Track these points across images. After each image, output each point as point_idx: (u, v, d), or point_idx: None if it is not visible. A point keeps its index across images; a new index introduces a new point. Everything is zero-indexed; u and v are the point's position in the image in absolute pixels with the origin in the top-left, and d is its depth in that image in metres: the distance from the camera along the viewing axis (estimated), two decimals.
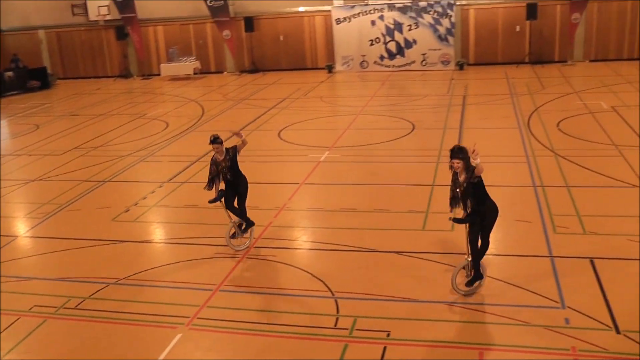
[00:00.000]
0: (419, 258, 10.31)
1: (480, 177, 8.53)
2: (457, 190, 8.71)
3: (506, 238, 11.11)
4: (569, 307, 8.59)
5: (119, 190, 14.88)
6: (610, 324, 8.16)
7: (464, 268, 9.15)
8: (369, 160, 16.17)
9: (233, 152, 10.60)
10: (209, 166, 10.79)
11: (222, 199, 10.72)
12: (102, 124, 22.43)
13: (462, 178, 8.64)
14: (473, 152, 8.18)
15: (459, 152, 8.49)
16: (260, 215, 12.39)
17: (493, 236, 10.92)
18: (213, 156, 10.65)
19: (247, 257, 10.67)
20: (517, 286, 9.24)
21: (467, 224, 8.89)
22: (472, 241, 8.97)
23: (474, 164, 8.28)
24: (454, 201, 8.89)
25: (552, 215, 11.73)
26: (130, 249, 11.42)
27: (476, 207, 8.73)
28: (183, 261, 10.70)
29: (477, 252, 9.00)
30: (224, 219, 11.09)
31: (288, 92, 26.19)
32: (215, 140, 10.45)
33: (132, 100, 27.26)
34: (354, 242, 11.04)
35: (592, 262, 9.84)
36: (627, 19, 29.26)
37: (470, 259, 9.06)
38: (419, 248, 10.65)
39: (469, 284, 9.10)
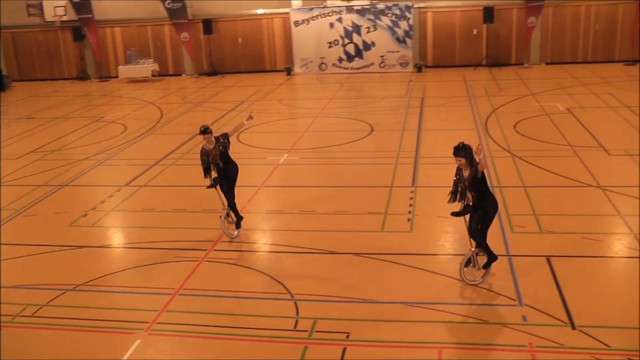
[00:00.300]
0: (378, 259, 10.38)
1: (483, 173, 8.88)
2: (461, 185, 9.02)
3: (464, 237, 11.18)
4: (526, 305, 8.74)
5: (76, 194, 14.73)
6: (566, 320, 8.34)
7: (466, 263, 9.47)
8: (327, 163, 16.23)
9: (224, 139, 11.12)
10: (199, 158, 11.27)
11: (217, 186, 11.36)
12: (59, 127, 22.17)
13: (466, 174, 8.96)
14: (477, 149, 8.64)
15: (461, 150, 8.83)
16: (219, 218, 12.38)
17: (451, 237, 11.10)
18: (202, 147, 11.12)
19: (206, 261, 10.64)
20: (476, 285, 9.36)
21: (467, 216, 9.22)
22: (473, 232, 9.29)
23: (477, 160, 8.65)
24: (454, 195, 9.16)
25: (509, 215, 11.89)
26: (88, 254, 11.31)
27: (478, 202, 9.04)
28: (142, 266, 10.65)
29: (480, 239, 9.31)
30: (184, 222, 11.06)
31: (247, 95, 26.15)
32: (205, 131, 10.91)
33: (89, 102, 26.98)
34: (313, 244, 11.09)
35: (548, 260, 10.02)
36: (581, 23, 29.76)
37: (474, 249, 9.38)
38: (378, 249, 10.72)
39: (486, 266, 9.46)
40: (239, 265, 10.49)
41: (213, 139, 11.05)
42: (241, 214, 11.76)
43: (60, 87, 32.30)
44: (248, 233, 11.83)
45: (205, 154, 11.12)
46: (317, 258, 10.61)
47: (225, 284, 9.88)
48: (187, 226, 12.18)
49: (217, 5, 32.11)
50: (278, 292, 9.48)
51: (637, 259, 10.01)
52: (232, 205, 11.47)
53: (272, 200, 13.60)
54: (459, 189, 9.07)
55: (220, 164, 11.13)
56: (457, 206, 9.26)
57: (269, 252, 11.17)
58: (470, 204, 9.06)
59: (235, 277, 10.14)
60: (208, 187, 11.33)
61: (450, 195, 9.17)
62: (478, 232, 9.29)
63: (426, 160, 15.62)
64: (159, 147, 18.02)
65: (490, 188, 9.30)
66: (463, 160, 8.88)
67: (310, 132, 19.31)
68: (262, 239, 11.69)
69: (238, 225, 11.55)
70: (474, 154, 8.71)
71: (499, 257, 9.54)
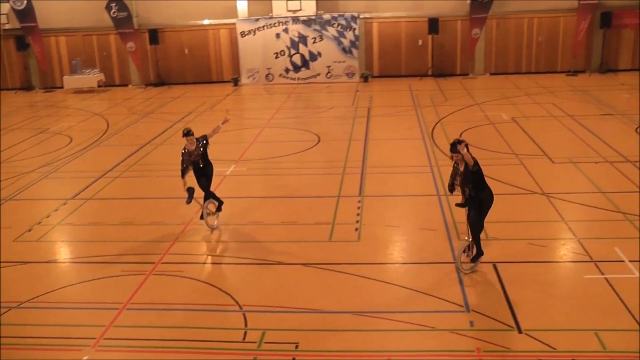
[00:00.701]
0: (326, 269, 10.45)
1: (479, 167, 9.51)
2: (458, 178, 9.71)
3: (411, 246, 11.39)
4: (473, 311, 8.92)
5: (21, 208, 14.48)
6: (512, 324, 8.54)
7: (464, 251, 10.15)
8: (275, 173, 16.27)
9: (204, 140, 12.08)
10: (181, 157, 12.09)
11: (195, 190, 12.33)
12: (2, 139, 21.76)
13: (461, 168, 9.62)
14: (461, 144, 9.28)
15: (454, 146, 9.41)
16: (166, 230, 12.37)
17: (399, 246, 11.23)
18: (185, 148, 11.96)
19: (154, 274, 10.59)
20: (423, 292, 9.51)
21: (467, 208, 9.88)
22: (472, 223, 9.90)
23: (466, 159, 9.33)
24: (452, 187, 9.92)
25: (455, 222, 12.09)
26: (33, 270, 11.13)
27: (474, 193, 9.68)
28: (88, 281, 10.53)
29: (475, 230, 9.93)
30: (131, 235, 10.98)
31: (194, 106, 26.04)
32: (188, 134, 11.83)
33: (34, 114, 26.53)
34: (261, 255, 11.11)
35: (495, 267, 10.23)
36: (524, 35, 30.37)
37: (470, 239, 10.00)
38: (326, 259, 10.79)
39: (474, 259, 10.07)
40: (187, 277, 10.44)
41: (195, 140, 11.91)
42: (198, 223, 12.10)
43: (4, 97, 31.66)
44: (196, 245, 11.81)
45: (187, 154, 11.95)
46: (265, 269, 10.64)
47: (173, 296, 9.84)
48: (134, 239, 12.09)
49: (163, 15, 31.91)
50: (226, 304, 9.48)
51: (581, 263, 10.33)
52: (212, 195, 12.35)
53: (220, 212, 13.56)
54: (455, 181, 9.80)
55: (201, 163, 12.03)
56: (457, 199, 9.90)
57: (217, 263, 11.16)
58: (467, 196, 9.71)
59: (183, 289, 10.10)
60: (187, 202, 12.26)
61: (448, 187, 9.96)
62: (476, 223, 9.91)
63: (373, 170, 15.76)
64: (105, 159, 17.85)
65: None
66: (459, 156, 9.47)
67: (258, 143, 19.33)
68: (210, 250, 11.67)
69: (219, 209, 12.48)
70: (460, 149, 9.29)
71: (446, 263, 9.73)
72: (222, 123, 12.64)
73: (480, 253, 10.06)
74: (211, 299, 9.71)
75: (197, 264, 11.12)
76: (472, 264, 10.16)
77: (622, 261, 10.26)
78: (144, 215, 13.41)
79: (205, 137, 12.17)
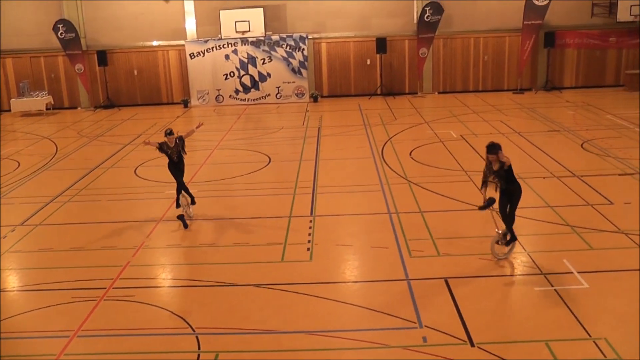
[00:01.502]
0: (278, 290, 10.46)
1: (510, 164, 10.73)
2: (491, 176, 10.94)
3: (363, 265, 11.47)
4: (426, 326, 9.01)
5: None
6: (465, 338, 8.66)
7: (497, 242, 11.28)
8: (226, 195, 16.25)
9: (181, 139, 13.90)
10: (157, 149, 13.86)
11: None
12: None
13: (496, 167, 10.81)
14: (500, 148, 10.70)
15: (494, 148, 10.70)
16: (117, 255, 12.26)
17: (351, 264, 11.30)
18: (165, 143, 13.81)
19: (105, 299, 10.47)
20: (376, 310, 9.57)
21: (498, 204, 11.10)
22: (505, 216, 11.12)
23: (503, 160, 10.59)
24: (485, 184, 11.04)
25: (407, 240, 12.22)
26: None
27: (505, 187, 10.87)
28: (38, 309, 10.34)
29: (508, 221, 11.09)
30: (81, 261, 10.84)
31: (144, 128, 25.87)
32: (170, 133, 13.79)
33: None
34: (214, 277, 11.08)
35: (446, 282, 10.37)
36: (471, 54, 30.92)
37: (500, 231, 11.21)
38: (279, 280, 10.80)
39: (508, 243, 11.28)
40: (138, 302, 10.35)
41: (175, 140, 13.78)
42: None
43: None
44: (148, 269, 11.71)
45: (166, 146, 13.79)
46: (218, 291, 10.60)
47: (125, 322, 9.74)
48: (85, 265, 11.94)
49: (112, 36, 31.71)
50: (179, 327, 9.42)
51: (531, 276, 10.58)
52: (185, 188, 14.16)
53: (172, 234, 13.49)
54: (485, 179, 11.02)
55: (175, 159, 13.83)
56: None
57: (169, 286, 11.08)
58: (498, 191, 11.01)
59: (135, 314, 10.00)
60: (179, 211, 14.05)
61: (481, 185, 11.14)
62: (508, 215, 11.06)
63: (324, 190, 15.83)
64: (54, 184, 17.61)
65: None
66: (495, 157, 10.70)
67: (209, 165, 19.28)
68: (162, 273, 11.59)
69: (193, 202, 14.31)
70: (500, 155, 10.61)
71: (399, 281, 9.84)
72: (197, 127, 14.74)
73: (514, 238, 11.22)
74: (164, 322, 9.63)
75: (149, 287, 11.02)
76: (507, 249, 11.34)
77: (571, 273, 10.49)
78: (95, 240, 13.26)
79: (181, 138, 13.93)
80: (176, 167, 14.00)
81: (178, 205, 14.04)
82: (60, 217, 15.06)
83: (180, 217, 13.85)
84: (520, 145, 19.36)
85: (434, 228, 12.81)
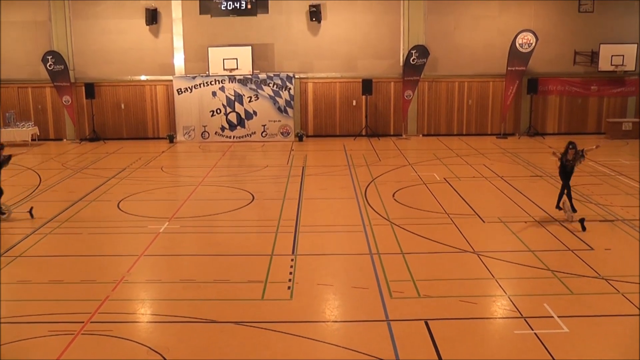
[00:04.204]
0: (258, 327, 10.40)
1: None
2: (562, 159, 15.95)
3: (343, 305, 11.44)
4: None
5: None
6: None
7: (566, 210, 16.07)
8: (208, 231, 16.22)
9: (8, 157, 16.64)
10: None
11: None
12: None
13: (570, 156, 15.79)
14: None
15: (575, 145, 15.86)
16: (97, 288, 12.17)
17: (331, 304, 11.29)
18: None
19: (83, 334, 10.36)
20: (355, 350, 9.53)
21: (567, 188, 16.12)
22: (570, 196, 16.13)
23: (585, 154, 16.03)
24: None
25: (388, 281, 12.21)
26: None
27: (571, 171, 16.00)
28: (14, 341, 10.20)
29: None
30: (60, 294, 10.76)
31: (128, 162, 25.86)
32: (2, 147, 16.47)
33: None
34: (193, 313, 11.01)
35: (426, 324, 10.34)
36: (455, 98, 31.32)
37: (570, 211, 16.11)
38: (258, 317, 10.75)
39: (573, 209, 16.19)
40: (116, 337, 10.25)
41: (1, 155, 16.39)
42: None
43: None
44: (127, 303, 11.63)
45: None
46: (196, 327, 10.53)
47: (101, 357, 9.63)
48: (63, 298, 11.84)
49: (100, 69, 31.84)
50: None
51: (512, 319, 10.56)
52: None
53: (152, 270, 13.44)
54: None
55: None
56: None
57: (148, 322, 11.00)
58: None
59: (112, 349, 9.90)
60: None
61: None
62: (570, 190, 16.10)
63: (306, 229, 15.84)
64: (36, 215, 17.50)
65: None
66: (573, 150, 15.69)
67: (192, 201, 19.26)
68: (141, 309, 11.51)
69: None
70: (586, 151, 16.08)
71: (379, 321, 9.86)
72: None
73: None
74: (141, 358, 9.55)
75: (128, 322, 10.93)
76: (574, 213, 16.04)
77: (552, 317, 10.51)
78: (75, 273, 13.18)
79: (9, 156, 16.82)
80: None
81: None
82: (41, 249, 14.96)
83: None
84: (502, 190, 19.51)
85: (415, 269, 12.82)
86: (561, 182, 16.12)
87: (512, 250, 14.04)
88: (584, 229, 15.24)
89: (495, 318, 10.77)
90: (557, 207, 16.45)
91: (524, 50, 29.81)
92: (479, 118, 31.55)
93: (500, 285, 11.89)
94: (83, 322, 10.73)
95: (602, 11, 30.63)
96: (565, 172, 15.95)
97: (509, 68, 30.16)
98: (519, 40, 29.75)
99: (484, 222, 16.20)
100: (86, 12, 31.54)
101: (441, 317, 10.64)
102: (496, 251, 13.93)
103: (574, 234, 14.97)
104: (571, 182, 15.91)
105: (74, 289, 12.34)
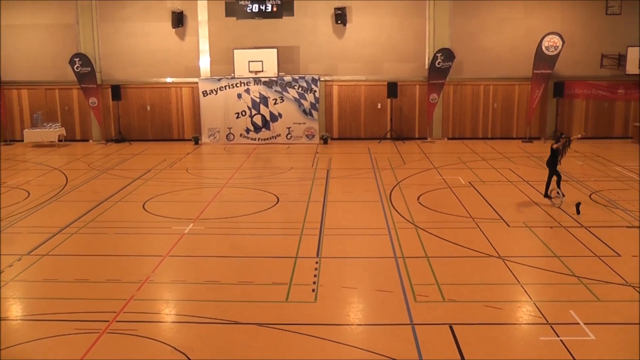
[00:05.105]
0: (281, 329, 10.41)
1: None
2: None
3: (367, 308, 11.42)
4: None
5: None
6: None
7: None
8: (233, 233, 16.26)
9: None
10: None
11: None
12: None
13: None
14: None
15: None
16: (122, 288, 12.25)
17: (355, 307, 11.27)
18: None
19: (108, 332, 10.44)
20: (378, 354, 9.50)
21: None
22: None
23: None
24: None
25: (412, 284, 12.16)
26: None
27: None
28: (40, 339, 10.32)
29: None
30: (85, 293, 10.84)
31: (154, 163, 26.02)
32: None
33: None
34: (217, 314, 11.05)
35: (451, 328, 10.28)
36: (481, 101, 31.18)
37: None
38: (282, 320, 10.76)
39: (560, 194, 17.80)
40: (141, 336, 10.32)
41: None
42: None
43: None
44: (152, 303, 11.69)
45: None
46: (220, 328, 10.57)
47: (126, 356, 9.70)
48: (89, 297, 11.93)
49: (126, 71, 32.11)
50: None
51: (537, 325, 10.48)
52: None
53: (177, 270, 13.50)
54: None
55: None
56: None
57: (173, 322, 11.05)
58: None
59: (137, 348, 9.97)
60: None
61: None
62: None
63: (331, 232, 15.83)
64: (62, 215, 17.68)
65: None
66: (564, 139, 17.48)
67: (217, 202, 19.33)
68: (166, 309, 11.56)
69: None
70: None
71: (403, 325, 9.83)
72: None
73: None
74: (166, 358, 9.59)
75: (152, 322, 11.00)
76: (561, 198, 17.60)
77: (578, 324, 10.42)
78: (100, 272, 13.27)
79: None
80: None
81: None
82: (67, 248, 15.10)
83: None
84: (528, 194, 19.38)
85: (439, 273, 12.77)
86: (548, 170, 18.02)
87: (538, 256, 13.96)
88: (578, 212, 16.75)
89: (521, 324, 10.69)
90: (546, 195, 18.18)
91: (550, 53, 29.60)
92: (504, 122, 31.39)
93: (525, 291, 11.81)
94: (108, 321, 10.81)
95: (630, 13, 30.29)
96: (554, 160, 17.78)
97: (534, 71, 29.97)
98: (545, 43, 29.55)
99: (509, 226, 16.10)
100: (113, 15, 31.82)
101: (466, 321, 10.59)
102: (521, 256, 13.84)
103: (601, 240, 14.82)
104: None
105: (100, 288, 12.43)
